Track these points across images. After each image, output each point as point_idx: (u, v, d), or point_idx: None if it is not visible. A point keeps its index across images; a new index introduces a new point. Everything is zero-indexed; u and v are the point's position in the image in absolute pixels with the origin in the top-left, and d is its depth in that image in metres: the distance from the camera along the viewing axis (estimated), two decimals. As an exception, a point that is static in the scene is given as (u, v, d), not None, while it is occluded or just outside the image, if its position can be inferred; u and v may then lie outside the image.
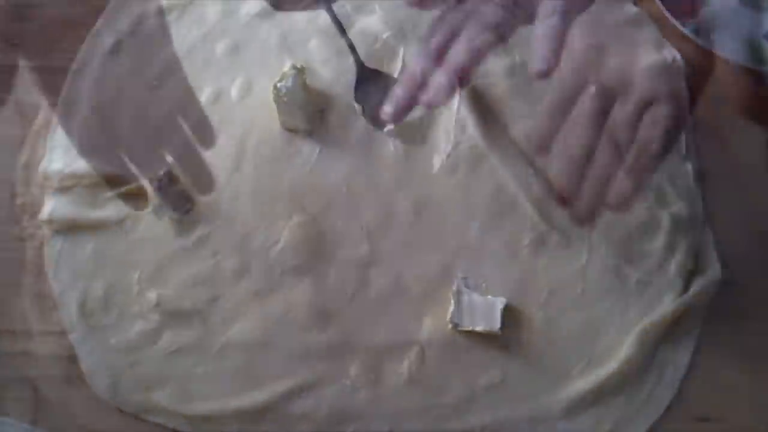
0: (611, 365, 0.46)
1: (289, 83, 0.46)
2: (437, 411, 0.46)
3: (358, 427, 0.45)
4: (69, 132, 0.49)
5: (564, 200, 0.43)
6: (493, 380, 0.46)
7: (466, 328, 0.45)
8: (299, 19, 0.51)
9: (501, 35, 0.40)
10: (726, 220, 0.49)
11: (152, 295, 0.46)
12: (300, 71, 0.48)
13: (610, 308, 0.47)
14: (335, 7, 0.49)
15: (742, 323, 0.47)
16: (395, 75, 0.50)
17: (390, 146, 0.49)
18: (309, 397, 0.46)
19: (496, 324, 0.45)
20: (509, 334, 0.46)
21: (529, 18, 0.39)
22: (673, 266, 0.48)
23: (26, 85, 0.51)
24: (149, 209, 0.48)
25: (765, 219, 0.49)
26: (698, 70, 0.49)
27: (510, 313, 0.46)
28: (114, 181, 0.48)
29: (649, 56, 0.43)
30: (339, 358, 0.46)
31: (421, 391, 0.46)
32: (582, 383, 0.46)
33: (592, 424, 0.45)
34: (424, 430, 0.45)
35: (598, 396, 0.46)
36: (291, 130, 0.49)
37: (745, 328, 0.47)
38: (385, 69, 0.50)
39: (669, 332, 0.47)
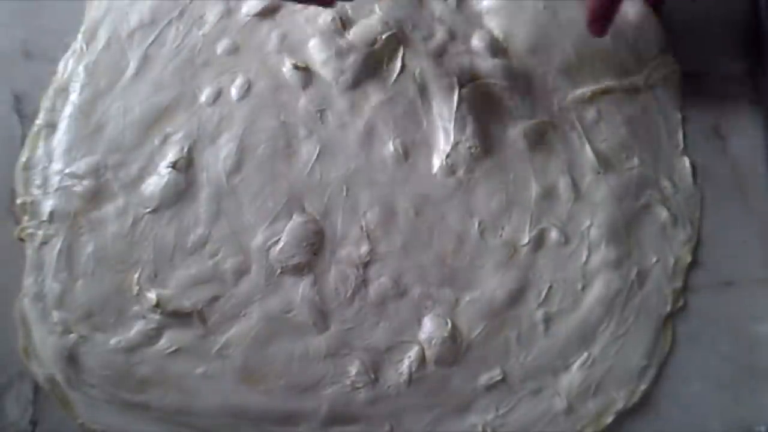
0: (612, 359, 0.46)
1: None
2: (437, 411, 0.46)
3: (358, 427, 0.45)
4: None
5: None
6: (493, 379, 0.46)
7: None
8: (299, 19, 0.51)
9: None
10: (725, 220, 0.49)
11: (152, 295, 0.46)
12: None
13: (611, 303, 0.47)
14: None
15: (741, 324, 0.48)
16: (394, 75, 0.50)
17: (390, 146, 0.49)
18: (309, 397, 0.46)
19: None
20: (509, 332, 0.47)
21: None
22: (672, 260, 0.48)
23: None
24: (149, 209, 0.48)
25: (764, 218, 0.49)
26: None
27: (510, 312, 0.47)
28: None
29: None
30: (339, 358, 0.46)
31: (421, 391, 0.46)
32: (583, 378, 0.46)
33: (594, 418, 0.46)
34: (424, 430, 0.45)
35: (600, 390, 0.46)
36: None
37: (744, 328, 0.47)
38: (384, 69, 0.50)
39: (669, 332, 0.47)
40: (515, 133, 0.50)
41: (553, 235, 0.48)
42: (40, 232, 0.48)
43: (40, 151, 0.49)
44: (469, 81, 0.50)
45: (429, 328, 0.46)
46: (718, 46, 0.51)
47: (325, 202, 0.48)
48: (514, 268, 0.47)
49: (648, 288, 0.47)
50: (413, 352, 0.46)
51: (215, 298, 0.47)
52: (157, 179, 0.48)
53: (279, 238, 0.47)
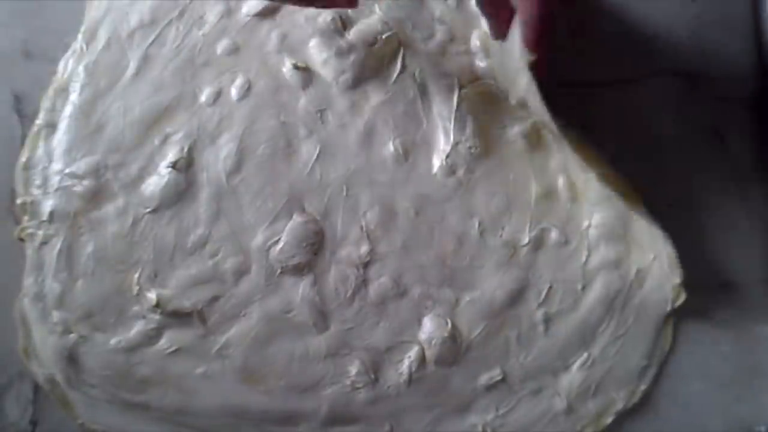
0: (612, 359, 0.46)
1: None
2: (437, 411, 0.46)
3: (358, 427, 0.45)
4: None
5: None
6: (493, 379, 0.46)
7: None
8: (299, 19, 0.51)
9: None
10: (725, 220, 0.49)
11: (152, 295, 0.47)
12: None
13: (611, 303, 0.47)
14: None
15: (741, 324, 0.48)
16: (394, 75, 0.50)
17: (390, 146, 0.49)
18: (309, 397, 0.46)
19: None
20: (509, 332, 0.47)
21: None
22: (671, 259, 0.48)
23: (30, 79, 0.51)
24: (149, 209, 0.48)
25: (765, 218, 0.49)
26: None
27: (510, 311, 0.47)
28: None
29: None
30: (339, 358, 0.46)
31: (421, 391, 0.46)
32: (583, 378, 0.46)
33: (594, 418, 0.46)
34: (424, 430, 0.46)
35: (600, 391, 0.46)
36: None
37: (744, 328, 0.47)
38: (384, 69, 0.50)
39: (669, 331, 0.47)
40: (515, 133, 0.50)
41: (553, 235, 0.48)
42: (40, 232, 0.48)
43: (40, 151, 0.49)
44: (469, 81, 0.50)
45: (429, 328, 0.47)
46: (718, 46, 0.51)
47: (325, 202, 0.48)
48: (514, 268, 0.47)
49: (648, 287, 0.47)
50: (413, 352, 0.46)
51: (215, 298, 0.47)
52: (157, 179, 0.48)
53: (279, 238, 0.47)
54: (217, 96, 0.50)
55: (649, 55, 0.51)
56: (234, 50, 0.50)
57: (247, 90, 0.50)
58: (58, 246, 0.47)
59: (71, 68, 0.50)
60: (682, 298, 0.46)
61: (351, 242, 0.47)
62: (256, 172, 0.48)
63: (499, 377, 0.46)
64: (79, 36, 0.51)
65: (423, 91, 0.50)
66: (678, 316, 0.47)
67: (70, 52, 0.51)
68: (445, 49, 0.51)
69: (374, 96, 0.50)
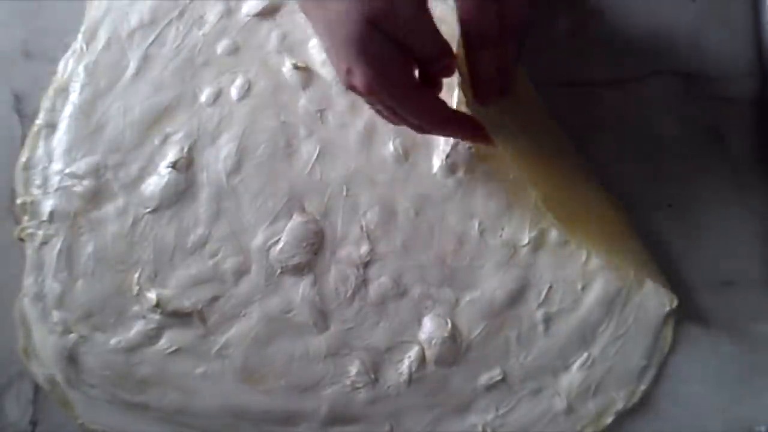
0: (612, 359, 0.46)
1: None
2: (437, 411, 0.46)
3: (358, 427, 0.45)
4: None
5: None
6: (493, 379, 0.46)
7: None
8: (299, 19, 0.51)
9: None
10: (725, 220, 0.49)
11: (152, 295, 0.47)
12: None
13: (610, 303, 0.47)
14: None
15: (741, 324, 0.48)
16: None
17: (390, 146, 0.49)
18: (309, 397, 0.46)
19: None
20: (509, 332, 0.47)
21: None
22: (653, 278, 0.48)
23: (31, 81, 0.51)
24: (149, 209, 0.48)
25: (765, 218, 0.49)
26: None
27: (510, 312, 0.47)
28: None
29: None
30: (339, 358, 0.46)
31: (421, 391, 0.46)
32: (583, 378, 0.46)
33: (594, 418, 0.46)
34: (424, 430, 0.46)
35: (600, 391, 0.46)
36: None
37: (744, 328, 0.47)
38: (385, 69, 0.50)
39: (669, 331, 0.47)
40: (515, 133, 0.50)
41: (553, 235, 0.48)
42: (40, 232, 0.48)
43: (40, 151, 0.49)
44: (469, 81, 0.50)
45: (429, 328, 0.47)
46: (718, 46, 0.51)
47: (325, 202, 0.48)
48: (514, 268, 0.47)
49: (647, 287, 0.47)
50: (413, 352, 0.46)
51: (215, 298, 0.47)
52: (157, 179, 0.48)
53: (279, 238, 0.47)
54: (217, 96, 0.50)
55: (649, 55, 0.51)
56: (234, 50, 0.50)
57: (247, 90, 0.50)
58: (58, 246, 0.47)
59: (71, 68, 0.50)
60: (675, 302, 0.46)
61: (351, 242, 0.47)
62: (256, 172, 0.48)
63: (499, 377, 0.46)
64: (79, 36, 0.51)
65: (423, 91, 0.50)
66: (678, 316, 0.47)
67: (70, 52, 0.51)
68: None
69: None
